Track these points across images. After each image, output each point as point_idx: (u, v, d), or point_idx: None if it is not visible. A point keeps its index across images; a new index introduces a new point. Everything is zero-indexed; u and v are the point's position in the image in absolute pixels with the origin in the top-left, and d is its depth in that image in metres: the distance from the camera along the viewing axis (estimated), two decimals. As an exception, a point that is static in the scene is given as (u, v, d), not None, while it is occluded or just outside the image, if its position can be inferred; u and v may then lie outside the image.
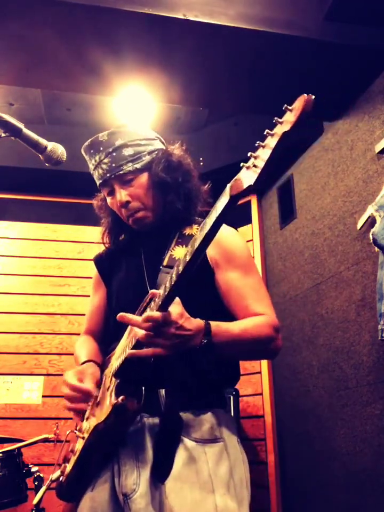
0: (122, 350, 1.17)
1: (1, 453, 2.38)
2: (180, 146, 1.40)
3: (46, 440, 2.66)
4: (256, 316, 1.18)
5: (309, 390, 2.74)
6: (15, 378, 3.29)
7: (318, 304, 2.70)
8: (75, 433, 1.29)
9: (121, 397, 1.06)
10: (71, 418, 3.64)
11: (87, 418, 1.25)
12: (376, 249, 2.12)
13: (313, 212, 2.86)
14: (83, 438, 1.20)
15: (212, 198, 1.38)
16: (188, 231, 1.34)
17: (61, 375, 3.63)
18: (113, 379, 1.16)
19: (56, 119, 3.45)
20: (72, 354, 3.68)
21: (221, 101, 2.73)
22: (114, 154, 1.31)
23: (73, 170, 3.35)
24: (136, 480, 1.10)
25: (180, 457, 1.10)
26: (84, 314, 3.68)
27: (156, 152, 1.36)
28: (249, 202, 3.66)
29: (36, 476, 2.46)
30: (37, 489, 2.47)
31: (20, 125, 1.15)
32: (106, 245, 1.50)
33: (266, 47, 2.23)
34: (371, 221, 2.21)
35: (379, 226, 2.09)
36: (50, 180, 3.53)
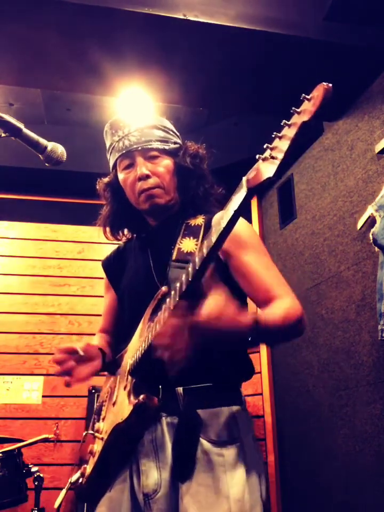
0: (136, 349, 1.16)
1: (1, 453, 2.38)
2: (203, 147, 1.42)
3: (46, 440, 2.66)
4: (280, 299, 1.14)
5: (309, 390, 2.73)
6: (15, 378, 3.29)
7: (318, 304, 2.70)
8: (91, 434, 1.28)
9: (142, 396, 1.06)
10: (71, 418, 3.64)
11: (104, 419, 1.25)
12: (376, 249, 2.12)
13: (313, 212, 2.86)
14: (102, 438, 1.19)
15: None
16: (193, 222, 1.32)
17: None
18: (129, 378, 1.16)
19: (56, 119, 3.46)
20: (72, 354, 3.66)
21: (221, 101, 2.73)
22: (145, 130, 1.32)
23: (73, 170, 3.37)
24: (158, 480, 1.09)
25: (197, 459, 1.09)
26: (84, 314, 3.70)
27: (179, 145, 1.39)
28: (249, 202, 3.66)
29: (35, 476, 2.46)
30: (37, 489, 2.47)
31: (20, 125, 1.15)
32: (107, 233, 1.45)
33: (266, 47, 2.23)
34: (371, 221, 2.21)
35: (379, 226, 2.09)
36: (50, 180, 3.53)
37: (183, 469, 1.09)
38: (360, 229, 2.34)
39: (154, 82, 2.42)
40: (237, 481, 1.09)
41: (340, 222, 2.57)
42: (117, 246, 1.55)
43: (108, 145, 1.40)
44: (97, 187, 1.45)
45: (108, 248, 3.89)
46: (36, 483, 2.46)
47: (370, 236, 2.14)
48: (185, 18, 2.07)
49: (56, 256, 3.66)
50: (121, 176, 1.36)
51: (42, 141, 1.19)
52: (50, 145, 1.19)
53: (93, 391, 3.17)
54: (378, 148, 2.24)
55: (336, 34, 2.22)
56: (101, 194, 1.44)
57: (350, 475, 2.31)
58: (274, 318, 1.03)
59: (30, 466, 2.47)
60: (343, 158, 2.59)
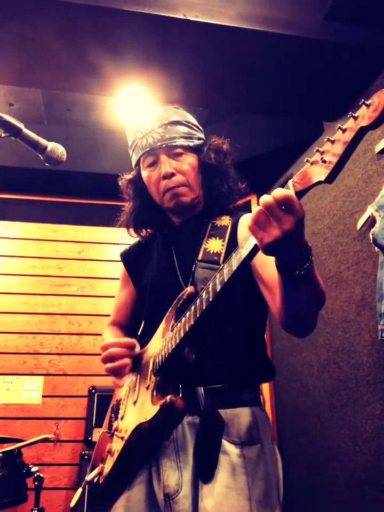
0: (159, 348, 1.15)
1: (1, 453, 2.38)
2: (227, 142, 1.41)
3: (46, 440, 2.66)
4: None
5: (309, 390, 2.74)
6: (15, 378, 3.29)
7: (318, 304, 2.70)
8: (107, 432, 1.27)
9: (169, 396, 1.04)
10: (71, 418, 3.63)
11: (123, 418, 1.23)
12: (376, 249, 2.12)
13: (313, 212, 2.86)
14: (121, 438, 1.18)
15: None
16: (219, 222, 1.31)
17: (61, 375, 3.65)
18: (153, 377, 1.14)
19: (56, 119, 3.45)
20: (72, 354, 3.71)
21: (221, 101, 2.73)
22: (168, 126, 1.31)
23: (73, 170, 3.37)
24: (179, 480, 1.08)
25: (219, 460, 1.08)
26: (84, 314, 3.71)
27: (203, 141, 1.38)
28: (249, 202, 3.66)
29: (35, 476, 2.46)
30: (37, 489, 2.47)
31: (20, 125, 1.15)
32: (130, 231, 1.43)
33: (266, 47, 2.23)
34: (371, 221, 2.21)
35: (379, 226, 2.09)
36: (50, 180, 3.53)
37: (205, 469, 1.08)
38: (360, 229, 2.34)
39: (154, 82, 2.42)
40: (258, 483, 1.08)
41: (339, 222, 2.57)
42: (127, 240, 1.50)
43: (130, 142, 1.38)
44: (120, 183, 1.44)
45: (108, 248, 3.92)
46: (36, 483, 2.46)
47: (370, 236, 2.14)
48: (185, 18, 2.07)
49: (56, 256, 3.66)
50: (144, 173, 1.34)
51: (42, 141, 1.19)
52: (50, 145, 1.19)
53: (93, 391, 3.17)
54: (378, 148, 2.24)
55: (336, 34, 2.22)
56: (123, 191, 1.43)
57: (349, 475, 2.31)
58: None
59: (30, 466, 2.47)
60: (343, 158, 2.58)
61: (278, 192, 0.76)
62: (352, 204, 2.47)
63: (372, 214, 2.18)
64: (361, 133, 0.69)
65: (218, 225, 1.30)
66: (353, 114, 0.69)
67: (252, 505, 1.05)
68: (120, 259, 1.51)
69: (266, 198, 0.77)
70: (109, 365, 1.16)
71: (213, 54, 2.26)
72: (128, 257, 1.49)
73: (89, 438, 3.00)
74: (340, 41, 2.22)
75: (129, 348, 1.18)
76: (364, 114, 0.68)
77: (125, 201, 1.44)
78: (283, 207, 0.76)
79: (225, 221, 1.31)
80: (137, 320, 1.42)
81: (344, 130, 0.71)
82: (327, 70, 2.35)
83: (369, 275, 2.28)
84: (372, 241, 2.14)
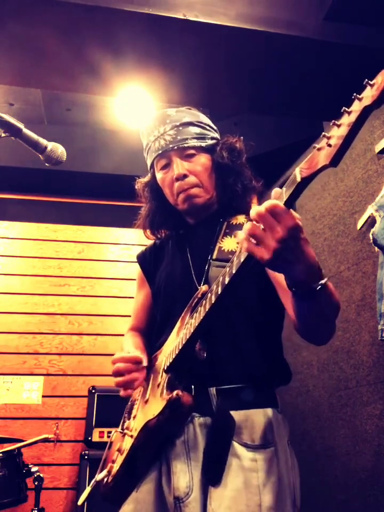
0: (174, 347, 1.14)
1: (1, 453, 2.38)
2: (240, 140, 1.41)
3: (46, 440, 2.66)
4: None
5: (309, 390, 2.74)
6: (15, 378, 3.29)
7: (318, 304, 2.70)
8: (120, 432, 1.26)
9: (176, 391, 1.03)
10: (71, 418, 3.63)
11: (134, 417, 1.23)
12: (376, 249, 2.12)
13: (313, 212, 2.86)
14: (131, 436, 1.17)
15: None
16: (234, 221, 1.30)
17: (61, 375, 3.65)
18: (164, 375, 1.14)
19: (56, 119, 3.46)
20: (72, 354, 3.71)
21: (221, 101, 2.73)
22: (180, 128, 1.30)
23: (73, 170, 3.37)
24: (189, 483, 1.06)
25: (229, 463, 1.06)
26: (84, 314, 3.71)
27: (217, 140, 1.38)
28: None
29: (35, 475, 2.46)
30: (37, 489, 2.47)
31: (20, 125, 1.15)
32: (147, 232, 1.43)
33: (266, 47, 2.23)
34: (371, 221, 2.21)
35: (379, 226, 2.09)
36: (50, 180, 3.53)
37: (213, 471, 1.05)
38: (360, 229, 2.34)
39: (154, 82, 2.43)
40: (269, 489, 1.04)
41: (340, 222, 2.57)
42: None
43: (144, 145, 1.38)
44: (136, 187, 1.44)
45: (108, 248, 3.92)
46: (36, 483, 2.46)
47: (370, 236, 2.14)
48: (185, 18, 2.07)
49: (56, 256, 3.66)
50: (159, 176, 1.34)
51: (42, 141, 1.19)
52: (50, 145, 1.20)
53: (93, 391, 3.17)
54: (378, 148, 2.24)
55: (336, 34, 2.22)
56: (140, 194, 1.43)
57: (349, 475, 2.31)
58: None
59: (30, 466, 2.46)
60: (343, 158, 2.58)
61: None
62: (352, 204, 2.47)
63: (371, 214, 2.18)
64: (365, 112, 0.68)
65: (234, 223, 1.29)
66: (357, 95, 0.70)
67: (262, 511, 1.02)
68: (136, 261, 1.50)
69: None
70: (117, 380, 1.17)
71: (213, 54, 2.26)
72: (144, 259, 1.48)
73: (89, 438, 3.00)
74: (340, 41, 2.22)
75: (135, 363, 1.18)
76: (368, 95, 0.68)
77: (142, 203, 1.44)
78: (272, 215, 0.76)
79: (241, 219, 1.30)
80: (155, 321, 1.41)
81: (349, 113, 0.71)
82: (327, 70, 2.36)
83: (369, 275, 2.28)
84: (372, 241, 2.14)
